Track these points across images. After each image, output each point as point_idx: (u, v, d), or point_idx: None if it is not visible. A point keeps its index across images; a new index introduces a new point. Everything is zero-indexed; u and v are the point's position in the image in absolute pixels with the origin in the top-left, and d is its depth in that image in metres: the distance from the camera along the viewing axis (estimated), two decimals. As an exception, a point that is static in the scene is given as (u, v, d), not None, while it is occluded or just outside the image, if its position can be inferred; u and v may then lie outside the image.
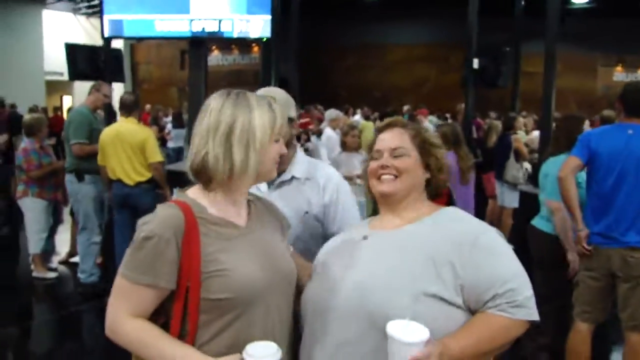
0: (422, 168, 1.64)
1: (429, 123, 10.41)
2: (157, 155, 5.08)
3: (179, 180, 5.60)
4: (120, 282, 1.39)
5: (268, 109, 1.46)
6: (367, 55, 18.39)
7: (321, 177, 2.09)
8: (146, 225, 1.38)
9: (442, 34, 17.30)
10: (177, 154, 10.90)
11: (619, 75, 18.28)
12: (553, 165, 3.57)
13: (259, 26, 5.50)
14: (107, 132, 5.01)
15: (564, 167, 3.17)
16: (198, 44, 6.06)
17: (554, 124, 5.98)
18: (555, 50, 6.30)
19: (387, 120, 1.75)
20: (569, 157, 3.20)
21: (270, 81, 7.68)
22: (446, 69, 17.35)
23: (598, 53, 17.82)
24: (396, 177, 1.61)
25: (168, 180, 5.29)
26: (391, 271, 1.46)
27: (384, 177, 1.62)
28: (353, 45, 18.25)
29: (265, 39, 5.60)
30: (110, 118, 6.58)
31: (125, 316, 1.37)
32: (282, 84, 7.69)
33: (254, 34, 5.55)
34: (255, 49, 18.07)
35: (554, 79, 6.38)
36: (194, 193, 1.49)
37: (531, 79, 15.41)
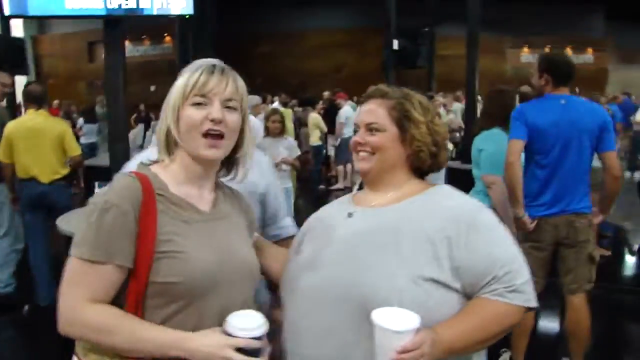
0: (401, 143, 1.50)
1: (350, 108, 10.40)
2: (77, 149, 4.78)
3: (96, 176, 5.28)
4: (74, 265, 1.23)
5: (194, 71, 1.34)
6: (283, 42, 18.22)
7: (261, 157, 1.98)
8: (101, 197, 1.26)
9: (359, 20, 17.42)
10: (91, 150, 10.39)
11: (526, 56, 19.07)
12: (487, 140, 3.58)
13: (179, 2, 5.18)
14: (16, 127, 4.60)
15: (512, 151, 3.15)
16: (114, 25, 5.52)
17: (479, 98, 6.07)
18: (477, 33, 6.42)
19: (369, 89, 1.60)
20: (512, 141, 3.18)
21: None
22: (364, 54, 17.47)
23: (506, 36, 18.51)
24: (373, 153, 1.48)
25: (85, 176, 4.97)
26: (383, 252, 1.33)
27: (360, 154, 1.51)
28: (269, 32, 18.03)
29: (187, 16, 5.27)
30: (14, 111, 6.08)
31: (83, 303, 1.22)
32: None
33: (175, 11, 5.20)
34: (167, 38, 17.52)
35: (476, 60, 6.51)
36: (156, 168, 1.37)
37: (445, 62, 15.88)
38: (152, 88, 16.37)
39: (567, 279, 3.22)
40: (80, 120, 11.55)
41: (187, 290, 1.24)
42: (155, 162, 1.40)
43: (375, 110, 1.52)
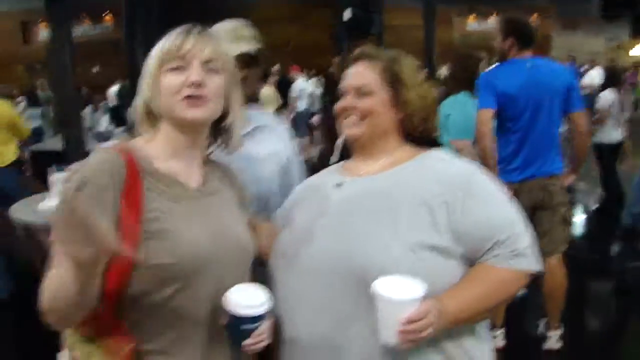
0: (393, 107, 1.41)
1: (303, 81, 10.26)
2: (27, 129, 4.60)
3: (47, 162, 5.03)
4: (54, 252, 1.09)
5: (169, 36, 1.25)
6: (230, 16, 17.77)
7: (278, 124, 1.89)
8: (75, 173, 1.14)
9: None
10: (36, 135, 9.92)
11: (472, 24, 19.29)
12: (454, 105, 3.55)
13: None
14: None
15: (482, 122, 3.09)
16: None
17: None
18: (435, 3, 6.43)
19: (355, 51, 1.49)
20: (481, 110, 3.11)
21: (134, 50, 7.09)
22: (310, 27, 17.27)
23: (453, 5, 18.62)
24: (363, 118, 1.39)
25: (33, 162, 4.71)
26: (377, 221, 1.26)
27: (348, 119, 1.41)
28: (216, 6, 17.54)
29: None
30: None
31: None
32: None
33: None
34: (108, 17, 16.89)
35: (434, 30, 6.53)
36: (139, 142, 1.27)
37: (394, 32, 15.88)
38: (95, 69, 15.81)
39: (542, 241, 3.19)
40: (22, 105, 11.02)
41: (179, 271, 1.14)
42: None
43: (363, 73, 1.43)
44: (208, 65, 1.22)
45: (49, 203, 3.25)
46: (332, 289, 1.25)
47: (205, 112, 1.22)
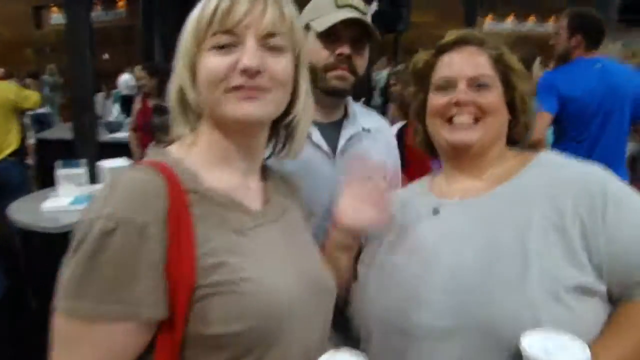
0: (505, 107, 1.14)
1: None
2: (34, 94, 4.46)
3: (53, 152, 4.75)
4: (64, 326, 0.76)
5: (208, 0, 0.91)
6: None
7: (387, 128, 1.60)
8: (97, 208, 0.79)
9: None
10: (39, 122, 9.58)
11: (491, 24, 18.89)
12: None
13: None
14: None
15: (539, 128, 2.78)
16: None
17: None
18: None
19: (456, 33, 1.19)
20: (540, 114, 2.81)
21: (152, 38, 6.86)
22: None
23: (470, 4, 18.30)
24: (477, 119, 1.09)
25: (37, 152, 4.44)
26: (504, 259, 0.96)
27: (459, 119, 1.10)
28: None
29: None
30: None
31: None
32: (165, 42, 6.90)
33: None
34: (121, 3, 16.59)
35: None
36: (177, 151, 0.95)
37: (414, 29, 15.56)
38: (105, 56, 15.53)
39: None
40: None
41: (254, 339, 0.80)
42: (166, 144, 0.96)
43: (478, 60, 1.14)
44: (268, 40, 0.90)
45: (52, 203, 2.96)
46: (455, 352, 0.96)
47: (263, 109, 0.91)
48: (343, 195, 1.12)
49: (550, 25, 19.70)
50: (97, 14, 17.14)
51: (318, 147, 1.48)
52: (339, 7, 1.45)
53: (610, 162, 2.76)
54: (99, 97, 10.03)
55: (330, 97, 1.48)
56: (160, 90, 4.64)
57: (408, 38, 14.73)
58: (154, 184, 0.83)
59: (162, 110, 4.53)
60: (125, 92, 10.21)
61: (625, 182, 2.72)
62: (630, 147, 5.59)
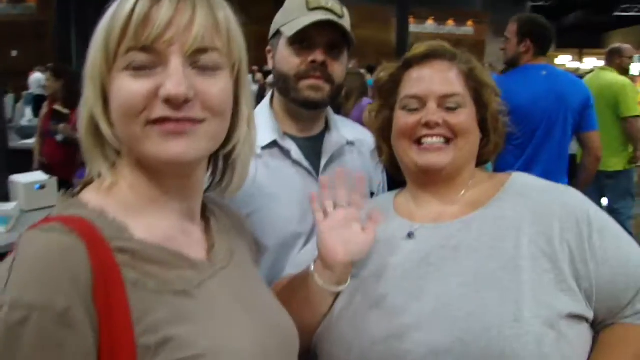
0: (477, 126, 1.09)
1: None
2: None
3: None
4: None
5: (122, 2, 0.71)
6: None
7: (370, 139, 1.39)
8: (5, 290, 0.61)
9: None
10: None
11: (412, 26, 19.30)
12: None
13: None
14: None
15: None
16: None
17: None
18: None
19: (426, 45, 1.11)
20: None
21: (70, 35, 6.47)
22: (248, 23, 16.77)
23: (391, 6, 18.63)
24: (448, 140, 1.03)
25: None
26: (496, 289, 0.91)
27: (429, 140, 1.03)
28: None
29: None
30: None
31: None
32: (84, 39, 6.51)
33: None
34: (29, -4, 15.66)
35: (407, 31, 6.29)
36: (95, 197, 0.74)
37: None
38: (14, 53, 14.63)
39: None
40: None
41: None
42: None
43: (449, 77, 1.07)
44: (199, 58, 0.71)
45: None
46: None
47: (196, 146, 0.72)
48: (322, 232, 1.01)
49: (468, 29, 20.48)
50: (3, 6, 16.17)
51: (298, 164, 1.36)
52: (311, 9, 1.31)
53: (553, 170, 2.78)
54: (8, 99, 9.36)
55: (306, 110, 1.37)
56: (65, 94, 4.31)
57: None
58: (71, 252, 0.64)
59: (61, 116, 4.24)
60: (38, 92, 9.59)
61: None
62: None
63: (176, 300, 0.71)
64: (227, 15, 0.76)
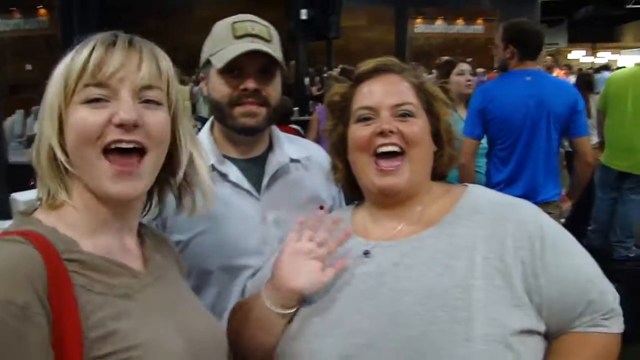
0: (430, 137, 1.10)
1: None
2: None
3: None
4: None
5: (82, 47, 0.88)
6: (170, 15, 17.20)
7: (322, 156, 1.44)
8: None
9: (250, -10, 16.75)
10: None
11: (420, 26, 19.30)
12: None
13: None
14: None
15: (464, 153, 2.79)
16: None
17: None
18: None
19: (375, 61, 1.13)
20: (467, 139, 2.82)
21: (74, 48, 6.55)
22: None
23: (400, 6, 18.67)
24: (401, 151, 1.03)
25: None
26: (447, 309, 0.92)
27: (385, 149, 1.04)
28: (156, 4, 16.94)
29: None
30: None
31: None
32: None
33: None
34: (42, 11, 15.94)
35: (406, 32, 6.31)
36: (47, 217, 0.88)
37: (344, 32, 15.75)
38: (28, 67, 14.89)
39: None
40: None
41: None
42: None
43: (400, 88, 1.09)
44: (145, 93, 0.88)
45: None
46: None
47: (139, 184, 0.89)
48: (284, 253, 1.05)
49: (478, 27, 20.42)
50: (17, 22, 16.46)
51: (237, 186, 1.37)
52: (238, 37, 1.34)
53: (539, 174, 2.79)
54: (17, 115, 9.41)
55: (244, 135, 1.39)
56: None
57: (339, 42, 14.89)
58: (29, 258, 0.77)
59: None
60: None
61: (559, 194, 2.76)
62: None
63: (119, 302, 0.84)
64: (167, 64, 0.92)
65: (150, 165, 0.89)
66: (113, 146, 0.85)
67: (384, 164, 1.05)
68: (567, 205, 3.04)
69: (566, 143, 3.58)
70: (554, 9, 21.10)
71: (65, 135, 0.86)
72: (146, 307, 0.86)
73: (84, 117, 0.84)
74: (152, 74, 0.88)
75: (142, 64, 0.87)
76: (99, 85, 0.84)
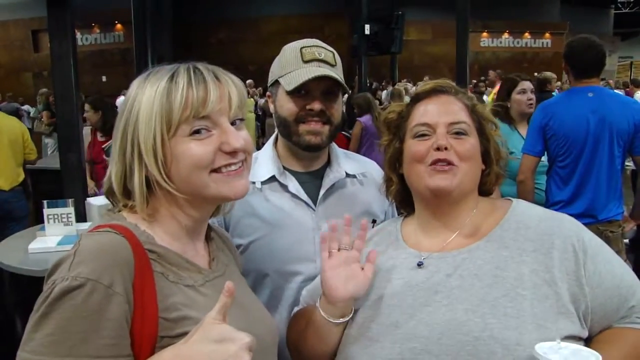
0: (480, 156, 1.16)
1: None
2: (35, 150, 4.38)
3: (45, 181, 4.70)
4: None
5: (165, 83, 0.94)
6: (240, 29, 17.67)
7: (376, 172, 1.51)
8: (65, 266, 0.83)
9: (315, 5, 16.99)
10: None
11: (486, 40, 19.05)
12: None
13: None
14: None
15: (523, 170, 2.78)
16: (59, 6, 4.34)
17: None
18: (467, 18, 6.28)
19: (431, 82, 1.21)
20: (526, 156, 2.80)
21: (147, 60, 6.86)
22: (323, 40, 17.08)
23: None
24: (456, 165, 1.10)
25: (31, 180, 4.46)
26: (497, 314, 0.99)
27: (439, 164, 1.10)
28: (226, 19, 17.46)
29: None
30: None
31: None
32: (160, 62, 6.91)
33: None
34: (119, 26, 16.76)
35: (467, 45, 6.33)
36: (132, 216, 0.98)
37: (405, 47, 15.74)
38: (104, 79, 15.64)
39: None
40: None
41: None
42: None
43: (454, 108, 1.15)
44: (237, 117, 0.99)
45: (39, 244, 2.94)
46: None
47: (247, 183, 1.03)
48: (325, 271, 1.11)
49: (546, 41, 19.91)
50: (95, 36, 17.37)
51: (296, 197, 1.44)
52: (306, 62, 1.41)
53: (601, 192, 2.72)
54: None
55: (307, 152, 1.46)
56: (103, 123, 4.58)
57: (404, 56, 14.88)
58: (120, 246, 0.88)
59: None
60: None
61: (622, 214, 2.65)
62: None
63: (188, 291, 0.95)
64: (245, 92, 1.02)
65: (247, 172, 1.03)
66: (224, 170, 0.96)
67: (438, 166, 1.12)
68: (630, 226, 2.94)
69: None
70: (628, 21, 20.40)
71: (169, 165, 0.94)
72: (209, 300, 0.92)
73: (193, 149, 0.93)
74: (240, 103, 0.98)
75: (232, 96, 0.96)
76: (202, 118, 0.93)
